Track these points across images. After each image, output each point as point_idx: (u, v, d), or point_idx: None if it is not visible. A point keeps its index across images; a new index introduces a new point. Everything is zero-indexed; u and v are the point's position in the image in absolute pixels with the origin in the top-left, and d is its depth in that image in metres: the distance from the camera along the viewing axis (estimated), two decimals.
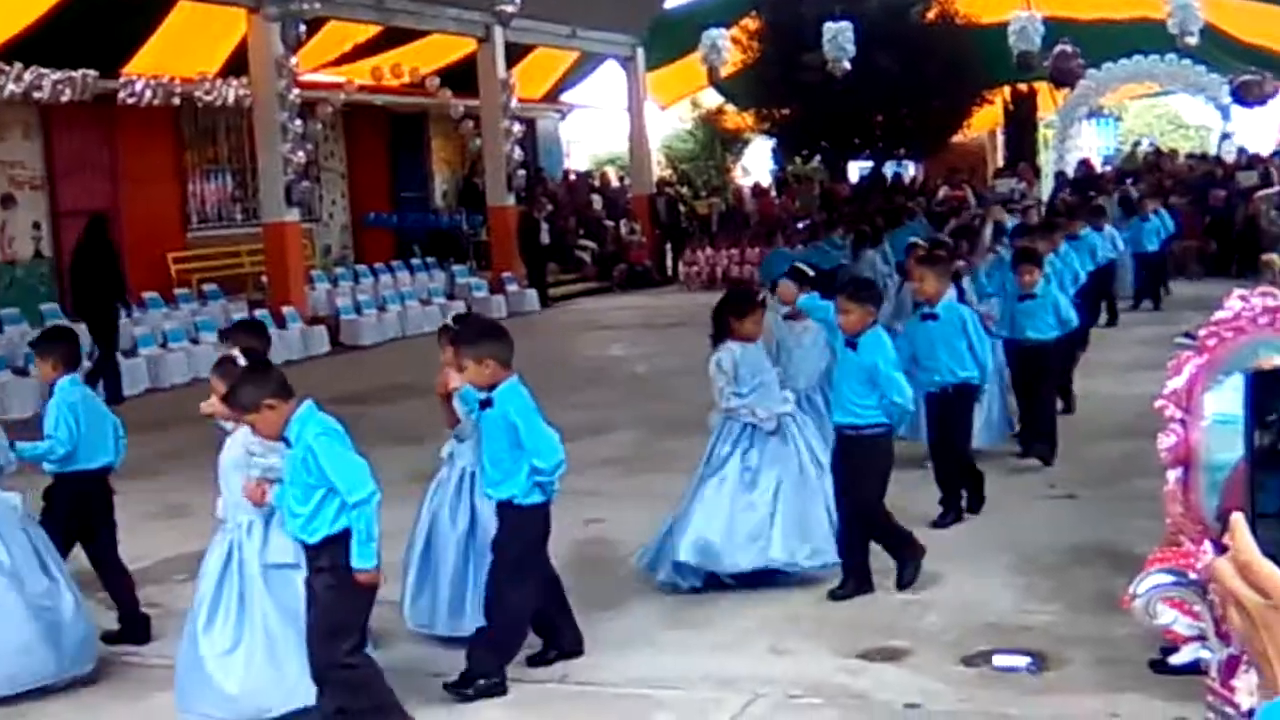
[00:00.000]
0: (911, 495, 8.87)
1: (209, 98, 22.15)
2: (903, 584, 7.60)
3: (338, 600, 5.75)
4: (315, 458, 5.69)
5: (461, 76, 26.00)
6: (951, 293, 9.63)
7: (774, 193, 32.68)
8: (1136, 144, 35.97)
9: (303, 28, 19.37)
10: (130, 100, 20.82)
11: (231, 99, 22.14)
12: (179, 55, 21.38)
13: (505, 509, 6.48)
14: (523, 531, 6.45)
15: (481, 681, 6.40)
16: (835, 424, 7.78)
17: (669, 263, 30.37)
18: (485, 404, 6.47)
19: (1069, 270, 13.04)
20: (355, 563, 5.65)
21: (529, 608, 6.57)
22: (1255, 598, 1.22)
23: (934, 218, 23.62)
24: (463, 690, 6.39)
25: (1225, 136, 28.71)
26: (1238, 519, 1.23)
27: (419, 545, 7.14)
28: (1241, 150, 27.49)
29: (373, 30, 23.96)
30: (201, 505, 7.53)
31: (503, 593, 6.44)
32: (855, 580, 7.56)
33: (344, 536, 5.70)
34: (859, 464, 7.56)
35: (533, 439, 6.37)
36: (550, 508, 6.57)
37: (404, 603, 7.12)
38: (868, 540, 7.63)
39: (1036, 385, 10.66)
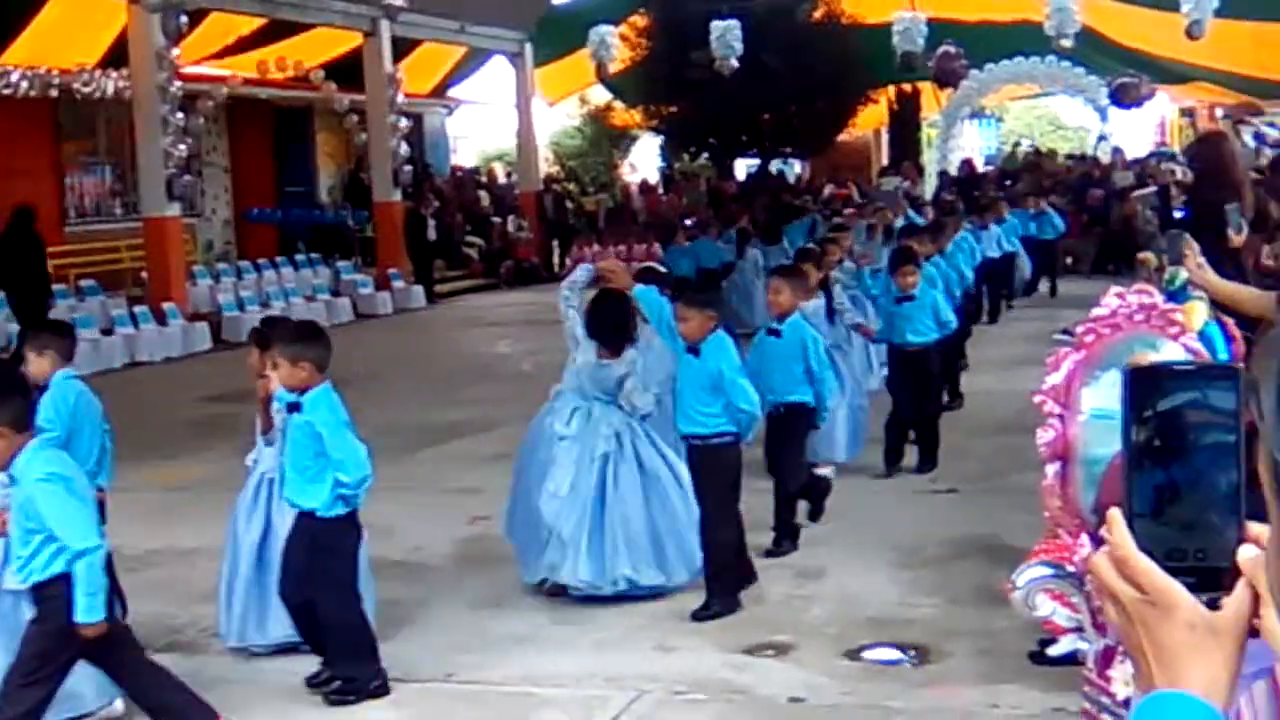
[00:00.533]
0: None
1: (88, 89, 21.74)
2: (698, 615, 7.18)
3: (45, 648, 5.41)
4: (34, 504, 5.32)
5: (348, 70, 25.76)
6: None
7: (661, 190, 32.77)
8: (1017, 144, 36.60)
9: (184, 19, 19.06)
10: (5, 91, 20.38)
11: (111, 91, 21.75)
12: (57, 46, 20.95)
13: (306, 519, 6.23)
14: (330, 543, 6.22)
15: (356, 685, 6.30)
16: (681, 434, 7.47)
17: (555, 259, 30.33)
18: (294, 407, 6.22)
19: (954, 271, 13.20)
20: (79, 616, 5.26)
21: (356, 611, 6.36)
22: (1131, 593, 1.23)
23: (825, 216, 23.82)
24: (345, 697, 6.29)
25: (1101, 138, 29.27)
26: (1115, 514, 1.24)
27: (225, 557, 6.98)
28: (1116, 150, 28.05)
29: (257, 23, 23.65)
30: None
31: (328, 609, 6.27)
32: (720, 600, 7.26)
33: (65, 581, 5.31)
34: (707, 475, 7.29)
35: (339, 449, 6.09)
36: (356, 517, 6.31)
37: (219, 618, 6.96)
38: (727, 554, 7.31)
39: (917, 390, 10.31)
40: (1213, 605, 1.21)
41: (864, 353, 11.94)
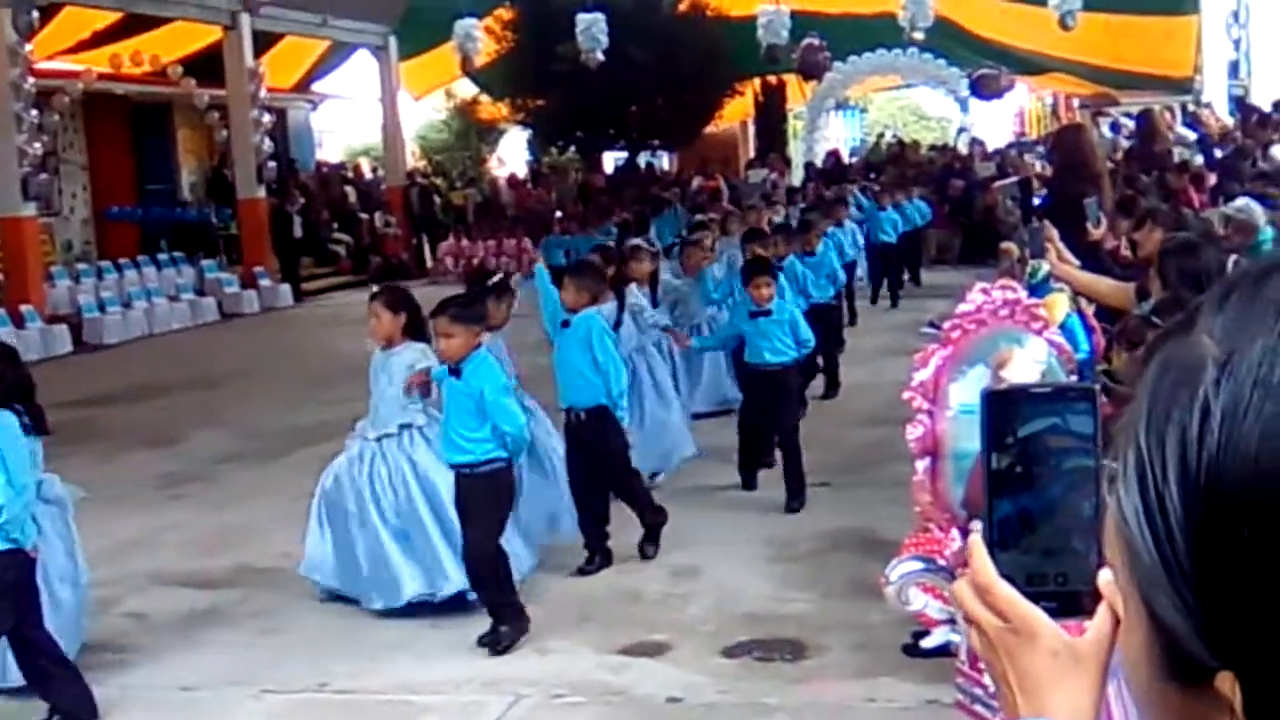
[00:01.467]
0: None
1: None
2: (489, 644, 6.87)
3: None
4: None
5: (208, 65, 25.30)
6: (610, 305, 9.04)
7: (530, 184, 32.69)
8: (881, 135, 37.05)
9: (36, 14, 18.59)
10: None
11: None
12: None
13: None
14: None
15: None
16: (447, 463, 7.02)
17: (426, 255, 30.10)
18: (454, 373, 6.81)
19: (825, 269, 13.24)
20: None
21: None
22: (994, 621, 1.22)
23: (692, 209, 23.87)
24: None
25: (961, 130, 29.75)
26: (975, 541, 1.23)
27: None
28: (976, 142, 28.52)
29: (113, 17, 23.15)
30: None
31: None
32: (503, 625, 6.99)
33: None
34: (475, 501, 6.84)
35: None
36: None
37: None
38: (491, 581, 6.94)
39: (772, 412, 9.50)
40: (1074, 630, 1.21)
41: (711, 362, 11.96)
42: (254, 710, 6.28)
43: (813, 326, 10.28)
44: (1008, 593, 1.21)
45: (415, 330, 7.55)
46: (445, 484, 7.18)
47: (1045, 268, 7.18)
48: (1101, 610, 1.19)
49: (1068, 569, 1.21)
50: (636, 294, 10.19)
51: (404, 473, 7.40)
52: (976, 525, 3.75)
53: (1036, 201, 7.92)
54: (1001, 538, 1.23)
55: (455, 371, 6.78)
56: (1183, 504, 0.97)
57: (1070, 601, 1.22)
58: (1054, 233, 7.07)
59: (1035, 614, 1.21)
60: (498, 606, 6.88)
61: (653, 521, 8.31)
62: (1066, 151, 9.16)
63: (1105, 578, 1.18)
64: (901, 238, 20.32)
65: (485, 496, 6.82)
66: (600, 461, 8.09)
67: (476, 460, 6.78)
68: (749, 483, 9.72)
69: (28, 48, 19.13)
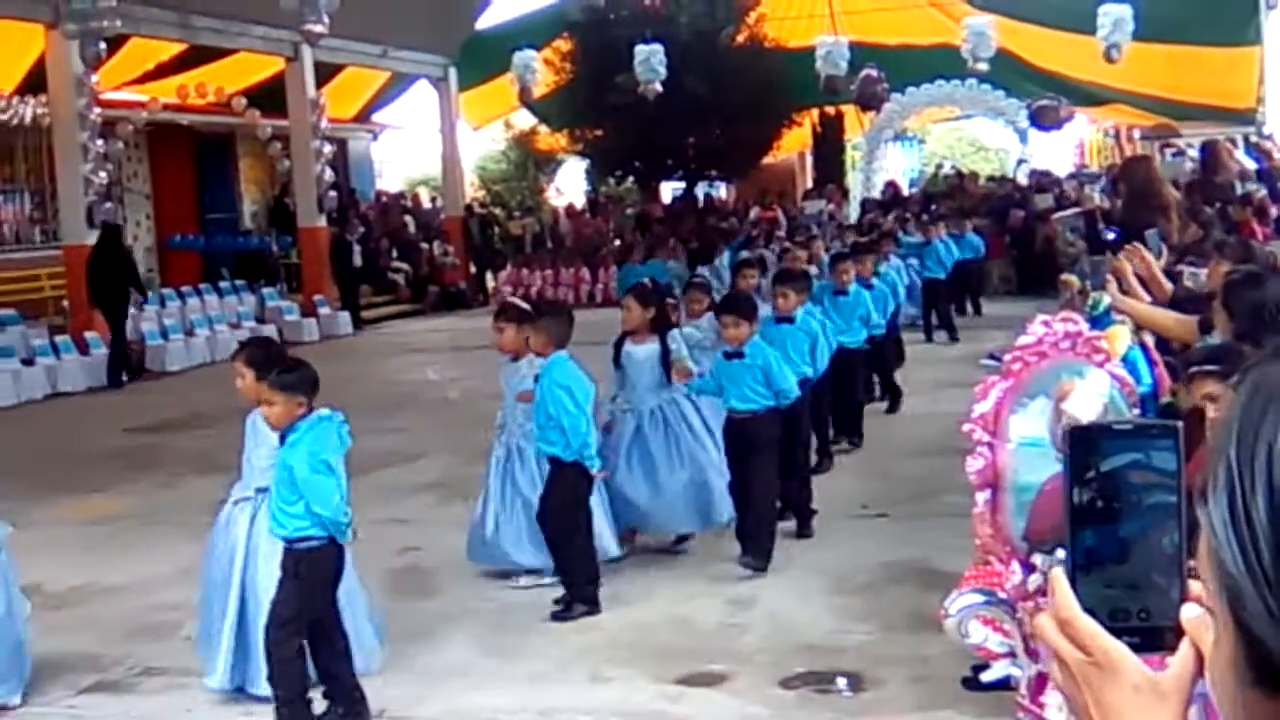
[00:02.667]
0: None
1: (5, 116, 21.48)
2: None
3: None
4: None
5: (270, 96, 25.60)
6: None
7: (588, 214, 32.83)
8: (939, 166, 36.94)
9: (103, 45, 18.86)
10: None
11: (30, 118, 21.49)
12: None
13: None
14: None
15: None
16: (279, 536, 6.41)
17: (488, 284, 30.25)
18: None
19: (858, 311, 12.34)
20: None
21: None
22: (1076, 654, 1.23)
23: (748, 241, 23.94)
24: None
25: (1020, 161, 29.63)
26: (1057, 574, 1.24)
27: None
28: (1034, 173, 28.39)
29: (177, 48, 23.46)
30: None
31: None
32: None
33: None
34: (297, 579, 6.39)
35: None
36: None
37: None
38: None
39: (743, 473, 8.60)
40: (1157, 665, 1.22)
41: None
42: None
43: (842, 369, 10.91)
44: (1090, 626, 1.22)
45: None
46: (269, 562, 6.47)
47: (1106, 300, 7.14)
48: (1184, 646, 1.20)
49: (1150, 604, 1.22)
50: (679, 338, 9.20)
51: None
52: (1038, 558, 3.74)
53: (1111, 236, 7.89)
54: (1083, 571, 1.24)
55: (282, 439, 6.25)
56: (1268, 516, 1.03)
57: (1153, 637, 1.22)
58: (1128, 267, 7.03)
59: (1118, 648, 1.21)
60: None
61: (576, 592, 7.73)
62: (1135, 182, 9.11)
63: (1188, 613, 1.19)
64: (956, 270, 19.87)
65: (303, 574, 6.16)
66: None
67: (291, 537, 6.14)
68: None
69: (94, 78, 19.42)
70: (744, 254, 17.84)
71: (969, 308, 21.32)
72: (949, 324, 18.96)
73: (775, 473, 8.60)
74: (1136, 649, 1.22)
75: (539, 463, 8.17)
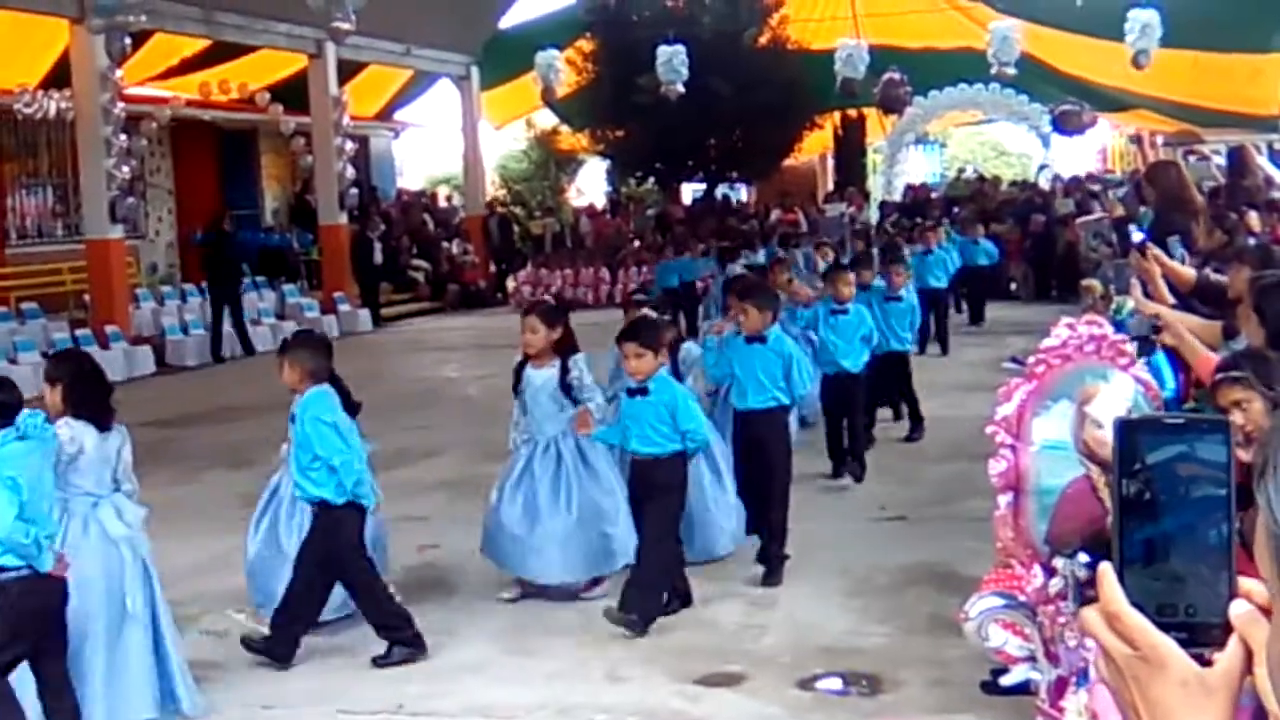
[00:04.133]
0: None
1: (29, 110, 21.53)
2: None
3: None
4: None
5: (293, 93, 25.65)
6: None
7: (608, 214, 32.84)
8: (961, 170, 36.89)
9: (128, 40, 18.91)
10: None
11: (54, 112, 21.55)
12: None
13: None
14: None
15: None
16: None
17: (508, 283, 30.29)
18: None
19: (861, 330, 11.15)
20: None
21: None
22: (1123, 649, 1.22)
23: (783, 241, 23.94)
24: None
25: (1043, 166, 29.57)
26: (1105, 568, 1.24)
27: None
28: (1057, 178, 28.33)
29: (201, 44, 23.52)
30: None
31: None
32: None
33: None
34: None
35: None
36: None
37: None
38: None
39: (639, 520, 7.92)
40: (1204, 661, 1.21)
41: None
42: None
43: (840, 397, 10.70)
44: (1137, 620, 1.21)
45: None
46: None
47: (1130, 304, 7.12)
48: (1232, 642, 1.19)
49: (1197, 600, 1.22)
50: (582, 365, 8.03)
51: None
52: (1060, 562, 3.72)
53: (1139, 236, 7.84)
54: (1130, 563, 1.23)
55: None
56: None
57: (1200, 632, 1.22)
58: (1155, 269, 6.99)
59: (1165, 642, 1.21)
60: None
61: (390, 635, 7.19)
62: (1166, 185, 9.05)
63: (1237, 610, 1.18)
64: (961, 278, 19.16)
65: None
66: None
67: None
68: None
69: (118, 73, 19.47)
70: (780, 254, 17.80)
71: (968, 315, 20.84)
72: (944, 336, 17.82)
73: (672, 524, 7.62)
74: (1184, 644, 1.21)
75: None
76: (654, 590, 7.50)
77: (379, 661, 7.04)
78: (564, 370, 7.85)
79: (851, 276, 11.43)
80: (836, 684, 6.60)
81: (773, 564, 8.25)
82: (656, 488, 7.55)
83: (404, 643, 7.10)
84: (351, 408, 7.33)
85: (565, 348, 7.91)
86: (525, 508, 7.96)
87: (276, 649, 7.07)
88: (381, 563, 7.54)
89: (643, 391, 7.55)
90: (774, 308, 8.71)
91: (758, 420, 8.49)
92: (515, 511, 7.97)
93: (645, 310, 9.54)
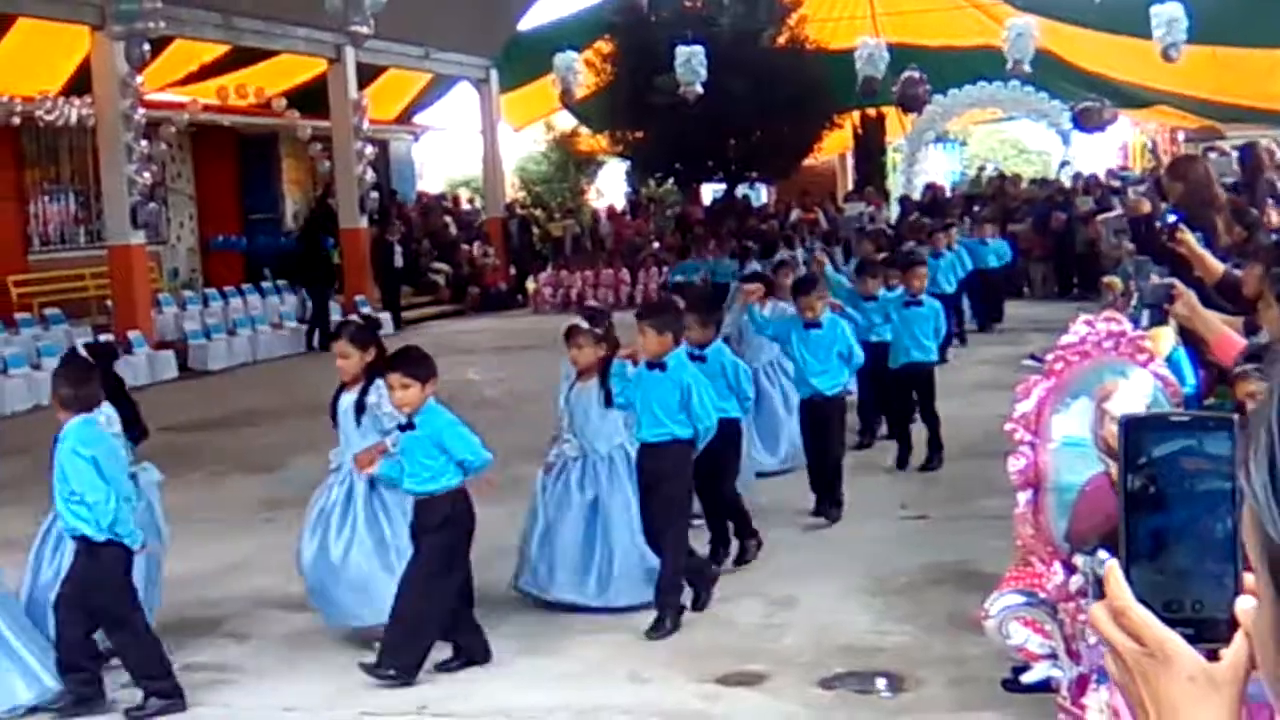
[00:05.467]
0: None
1: (51, 117, 21.63)
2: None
3: None
4: None
5: (312, 97, 25.71)
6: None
7: (628, 215, 32.85)
8: (981, 168, 36.79)
9: (147, 46, 18.98)
10: None
11: (74, 118, 21.64)
12: (19, 73, 20.87)
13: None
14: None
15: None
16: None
17: (529, 285, 30.32)
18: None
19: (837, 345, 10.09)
20: None
21: None
22: (1130, 645, 1.22)
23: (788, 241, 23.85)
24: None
25: (1063, 163, 29.47)
26: (1111, 565, 1.23)
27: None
28: (1077, 175, 28.24)
29: (220, 50, 23.60)
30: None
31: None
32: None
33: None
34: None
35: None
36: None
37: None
38: None
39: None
40: (1211, 656, 1.21)
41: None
42: None
43: (814, 423, 9.71)
44: (1144, 616, 1.21)
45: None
46: None
47: (1170, 338, 7.05)
48: (1239, 637, 1.19)
49: (1204, 595, 1.21)
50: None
51: None
52: (1080, 559, 3.71)
53: (1173, 217, 7.77)
54: (1137, 558, 1.23)
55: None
56: None
57: (1207, 628, 1.21)
58: (1192, 240, 6.93)
59: (1172, 638, 1.20)
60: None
61: (147, 685, 6.72)
62: (1193, 179, 9.00)
63: (1243, 605, 1.18)
64: (970, 281, 18.35)
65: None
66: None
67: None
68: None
69: (138, 79, 19.54)
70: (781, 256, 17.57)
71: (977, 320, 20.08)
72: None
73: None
74: (1191, 640, 1.21)
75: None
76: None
77: (131, 714, 6.56)
78: (363, 392, 7.41)
79: (822, 294, 10.07)
80: (880, 683, 6.58)
81: (663, 613, 7.49)
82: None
83: (161, 694, 6.58)
84: (135, 434, 7.27)
85: (374, 369, 7.40)
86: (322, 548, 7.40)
87: (157, 694, 6.63)
88: (150, 603, 7.07)
89: (410, 428, 7.26)
90: (674, 330, 7.88)
91: (651, 454, 7.77)
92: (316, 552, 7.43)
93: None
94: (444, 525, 6.90)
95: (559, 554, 7.81)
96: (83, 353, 7.37)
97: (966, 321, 19.10)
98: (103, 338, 19.29)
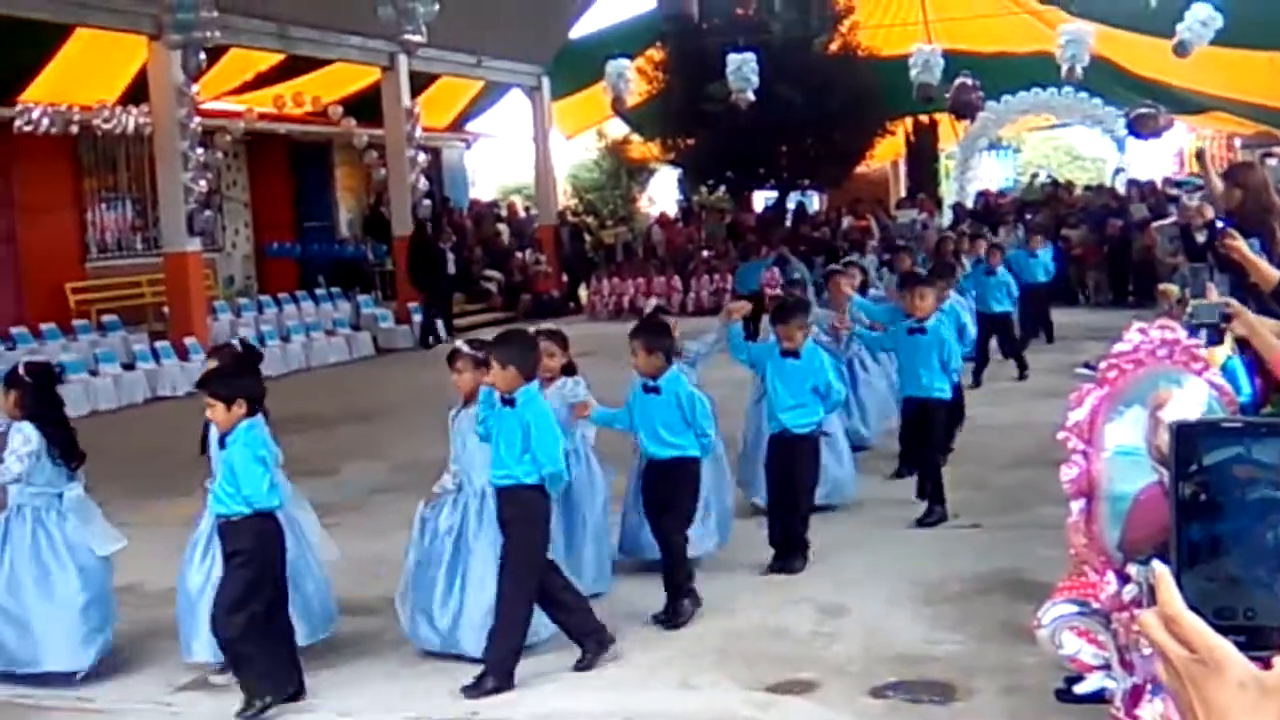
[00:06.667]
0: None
1: (108, 126, 21.86)
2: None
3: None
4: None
5: (366, 105, 25.88)
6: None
7: (680, 223, 32.86)
8: (1035, 175, 36.57)
9: (203, 56, 19.17)
10: (27, 128, 20.50)
11: (131, 127, 21.86)
12: (77, 83, 21.10)
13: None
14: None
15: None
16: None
17: (580, 292, 30.38)
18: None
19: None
20: None
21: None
22: (1181, 652, 1.22)
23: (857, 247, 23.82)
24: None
25: (1118, 170, 29.25)
26: (1162, 571, 1.23)
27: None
28: (1132, 182, 28.03)
29: (275, 59, 23.79)
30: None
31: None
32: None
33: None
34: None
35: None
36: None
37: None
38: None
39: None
40: (1262, 664, 1.20)
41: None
42: None
43: (785, 461, 8.77)
44: (1195, 623, 1.21)
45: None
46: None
47: (1227, 353, 6.97)
48: None
49: (1256, 603, 1.21)
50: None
51: None
52: (1133, 569, 3.68)
53: (1221, 224, 7.71)
54: (1188, 567, 1.23)
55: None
56: None
57: (1259, 635, 1.21)
58: (1243, 246, 6.86)
59: (1222, 645, 1.20)
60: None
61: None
62: (1253, 184, 8.92)
63: None
64: (1024, 295, 17.06)
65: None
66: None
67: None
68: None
69: (194, 88, 19.73)
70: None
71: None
72: (1019, 356, 16.35)
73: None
74: (1242, 647, 1.21)
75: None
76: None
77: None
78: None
79: (801, 325, 9.05)
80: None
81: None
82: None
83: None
84: (70, 457, 7.46)
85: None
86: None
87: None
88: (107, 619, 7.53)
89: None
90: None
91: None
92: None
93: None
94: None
95: (421, 593, 7.46)
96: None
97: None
98: (158, 344, 19.57)
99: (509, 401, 6.89)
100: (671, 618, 7.70)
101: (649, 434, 7.84)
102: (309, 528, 7.52)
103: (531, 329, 8.00)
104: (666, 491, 7.83)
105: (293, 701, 6.67)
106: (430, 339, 23.92)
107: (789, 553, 8.68)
